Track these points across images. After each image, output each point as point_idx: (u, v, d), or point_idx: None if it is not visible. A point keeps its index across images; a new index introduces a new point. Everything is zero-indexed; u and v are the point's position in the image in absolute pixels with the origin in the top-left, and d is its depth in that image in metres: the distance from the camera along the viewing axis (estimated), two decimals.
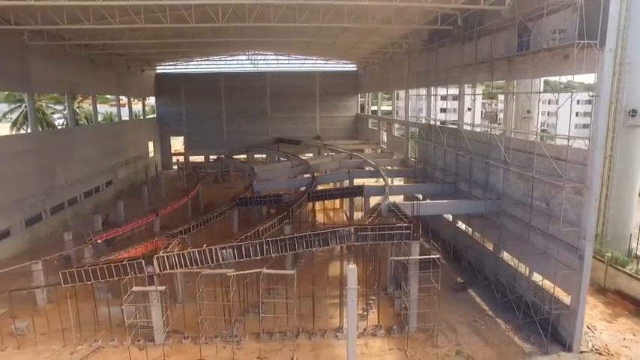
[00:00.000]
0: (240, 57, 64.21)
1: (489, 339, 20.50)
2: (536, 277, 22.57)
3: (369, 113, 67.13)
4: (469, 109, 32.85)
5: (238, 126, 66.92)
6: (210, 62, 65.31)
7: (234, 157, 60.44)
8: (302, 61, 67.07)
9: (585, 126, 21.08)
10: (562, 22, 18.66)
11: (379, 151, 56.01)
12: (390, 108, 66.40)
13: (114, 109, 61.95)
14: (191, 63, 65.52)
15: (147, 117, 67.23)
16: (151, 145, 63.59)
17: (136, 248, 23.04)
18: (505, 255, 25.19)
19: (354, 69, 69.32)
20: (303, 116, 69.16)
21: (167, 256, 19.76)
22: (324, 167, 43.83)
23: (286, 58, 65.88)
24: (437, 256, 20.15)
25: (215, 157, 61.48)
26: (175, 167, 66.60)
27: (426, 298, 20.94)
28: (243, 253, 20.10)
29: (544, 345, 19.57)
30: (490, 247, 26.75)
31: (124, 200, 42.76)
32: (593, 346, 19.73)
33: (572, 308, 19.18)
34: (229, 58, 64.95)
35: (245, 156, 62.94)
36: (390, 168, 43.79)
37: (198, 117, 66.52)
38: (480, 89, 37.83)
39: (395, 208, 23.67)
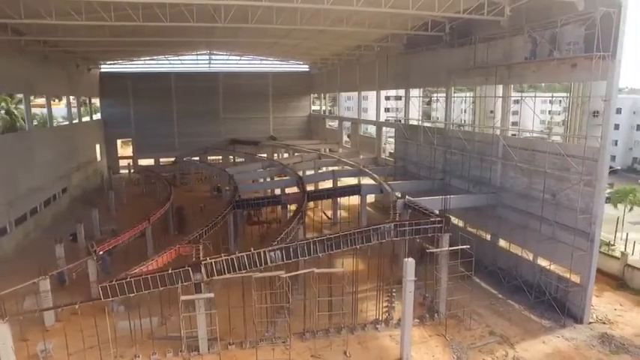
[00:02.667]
0: (192, 56, 62.42)
1: (512, 319, 22.68)
2: (540, 261, 25.12)
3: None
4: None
5: (190, 127, 65.04)
6: (160, 61, 62.68)
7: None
8: (255, 61, 66.67)
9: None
10: (572, 35, 21.15)
11: (340, 150, 57.52)
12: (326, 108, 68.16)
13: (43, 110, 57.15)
14: (139, 62, 62.45)
15: (92, 119, 62.98)
16: (98, 148, 59.80)
17: (160, 257, 22.28)
18: (503, 243, 27.66)
19: (307, 69, 70.22)
20: (256, 117, 68.79)
21: (215, 262, 19.51)
22: (301, 167, 44.31)
23: (238, 57, 65.08)
24: (467, 246, 21.92)
25: (173, 159, 59.34)
26: (125, 171, 63.15)
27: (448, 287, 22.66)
28: (291, 255, 20.40)
29: (560, 319, 22.10)
30: (487, 237, 29.06)
31: (84, 209, 40.38)
32: (596, 317, 22.63)
33: (583, 285, 21.89)
34: (181, 57, 62.79)
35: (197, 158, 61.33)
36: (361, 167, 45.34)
37: (147, 118, 63.73)
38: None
39: (413, 205, 25.11)
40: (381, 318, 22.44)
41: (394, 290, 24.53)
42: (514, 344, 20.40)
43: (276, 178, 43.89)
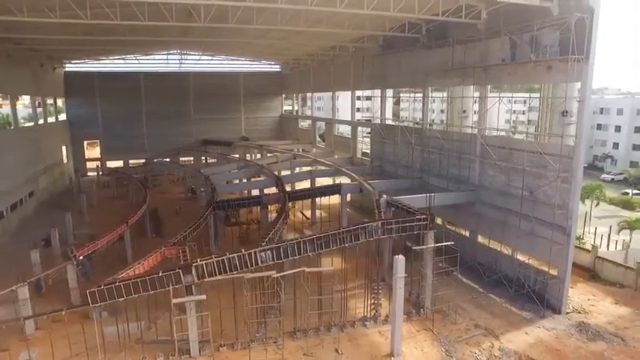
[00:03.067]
0: (162, 56, 61.08)
1: (494, 312, 23.50)
2: (518, 256, 26.13)
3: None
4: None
5: (160, 128, 63.73)
6: (129, 60, 61.01)
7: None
8: (226, 61, 65.95)
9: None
10: (548, 39, 22.11)
11: (314, 150, 57.73)
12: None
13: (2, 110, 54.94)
14: (106, 61, 60.63)
15: (57, 119, 60.74)
16: (64, 150, 57.76)
17: (146, 260, 21.89)
18: (482, 239, 28.57)
19: (279, 69, 70.08)
20: (227, 117, 68.06)
21: (206, 264, 19.34)
22: (277, 168, 44.23)
23: (209, 57, 64.20)
24: (451, 243, 22.59)
25: (143, 160, 58.00)
26: (93, 174, 61.21)
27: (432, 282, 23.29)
28: (282, 254, 20.46)
29: (539, 311, 23.06)
30: (466, 234, 29.95)
31: (53, 213, 39.05)
32: (573, 308, 23.74)
33: (561, 277, 22.94)
34: (150, 57, 61.42)
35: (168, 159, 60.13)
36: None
37: (115, 119, 62.00)
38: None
39: (396, 203, 25.62)
40: (369, 315, 22.78)
41: (380, 287, 24.99)
42: (499, 336, 21.17)
43: (252, 179, 43.61)
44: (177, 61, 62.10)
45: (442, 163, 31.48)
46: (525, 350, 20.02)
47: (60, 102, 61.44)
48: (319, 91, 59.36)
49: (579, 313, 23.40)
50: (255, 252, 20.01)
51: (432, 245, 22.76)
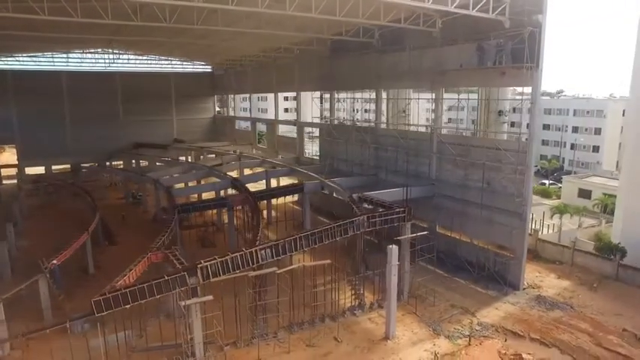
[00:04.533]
0: (87, 54, 57.44)
1: (464, 293, 26.07)
2: (477, 242, 29.02)
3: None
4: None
5: (86, 131, 59.42)
6: (48, 58, 56.46)
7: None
8: (155, 61, 63.60)
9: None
10: (506, 48, 25.01)
11: (254, 151, 57.92)
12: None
13: None
14: (22, 57, 55.64)
15: None
16: None
17: (136, 267, 21.25)
18: (441, 229, 31.21)
19: (210, 70, 68.97)
20: (159, 119, 65.63)
21: (210, 265, 19.43)
22: (225, 169, 43.93)
23: (138, 57, 61.47)
24: (426, 232, 24.73)
25: (68, 165, 54.15)
26: (10, 181, 55.84)
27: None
28: (280, 251, 21.09)
29: (502, 289, 26.05)
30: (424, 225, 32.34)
31: None
32: (527, 284, 27.06)
33: (518, 257, 26.07)
34: (73, 55, 57.36)
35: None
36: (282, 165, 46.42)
37: (34, 121, 56.80)
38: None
39: (369, 198, 27.30)
40: (356, 304, 24.18)
41: (356, 280, 26.49)
42: (474, 313, 23.67)
43: (202, 182, 42.98)
44: (104, 61, 58.63)
45: (398, 160, 33.71)
46: (500, 322, 22.68)
47: None
48: (260, 92, 59.68)
49: (533, 288, 26.78)
50: (256, 250, 20.44)
51: (409, 235, 24.63)
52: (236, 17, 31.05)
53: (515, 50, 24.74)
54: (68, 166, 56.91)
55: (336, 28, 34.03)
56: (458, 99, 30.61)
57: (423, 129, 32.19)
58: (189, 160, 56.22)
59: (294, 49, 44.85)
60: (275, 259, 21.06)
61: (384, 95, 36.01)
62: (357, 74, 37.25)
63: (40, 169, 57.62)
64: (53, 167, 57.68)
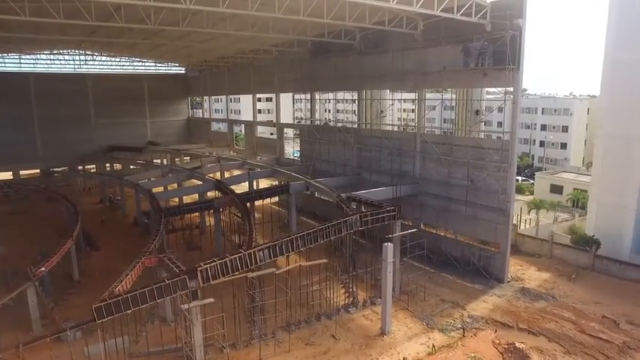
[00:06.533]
0: (56, 55, 55.67)
1: (452, 287, 26.88)
2: (461, 238, 29.94)
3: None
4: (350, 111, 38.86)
5: (56, 134, 57.88)
6: (14, 58, 54.49)
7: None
8: (127, 63, 62.32)
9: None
10: (488, 50, 25.96)
11: (231, 153, 57.62)
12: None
13: None
14: None
15: None
16: None
17: (132, 272, 20.97)
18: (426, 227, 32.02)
19: (183, 72, 68.10)
20: (132, 121, 64.46)
21: (210, 267, 19.41)
22: (206, 171, 43.62)
23: (109, 59, 60.01)
24: (415, 229, 25.38)
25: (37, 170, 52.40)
26: None
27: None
28: (277, 252, 21.26)
29: (488, 282, 27.01)
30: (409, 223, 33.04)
31: None
32: (511, 277, 28.13)
33: (502, 252, 27.09)
34: (41, 56, 55.54)
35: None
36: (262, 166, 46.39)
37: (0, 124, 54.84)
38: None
39: (358, 197, 27.77)
40: (349, 302, 24.59)
41: (347, 277, 26.90)
42: (464, 306, 24.47)
43: (183, 184, 42.51)
44: (74, 62, 56.99)
45: (382, 160, 34.34)
46: (489, 315, 23.55)
47: None
48: (237, 93, 59.39)
49: (517, 281, 27.85)
50: (254, 252, 20.55)
51: (400, 233, 25.24)
52: (220, 18, 31.01)
53: (496, 52, 25.73)
54: (37, 171, 54.95)
55: (318, 29, 34.35)
56: (442, 99, 31.45)
57: (409, 129, 32.86)
58: (165, 163, 55.34)
59: (272, 51, 44.93)
60: (272, 259, 21.25)
61: (368, 96, 36.54)
62: (338, 75, 37.68)
63: (7, 175, 55.42)
64: (21, 172, 55.54)
